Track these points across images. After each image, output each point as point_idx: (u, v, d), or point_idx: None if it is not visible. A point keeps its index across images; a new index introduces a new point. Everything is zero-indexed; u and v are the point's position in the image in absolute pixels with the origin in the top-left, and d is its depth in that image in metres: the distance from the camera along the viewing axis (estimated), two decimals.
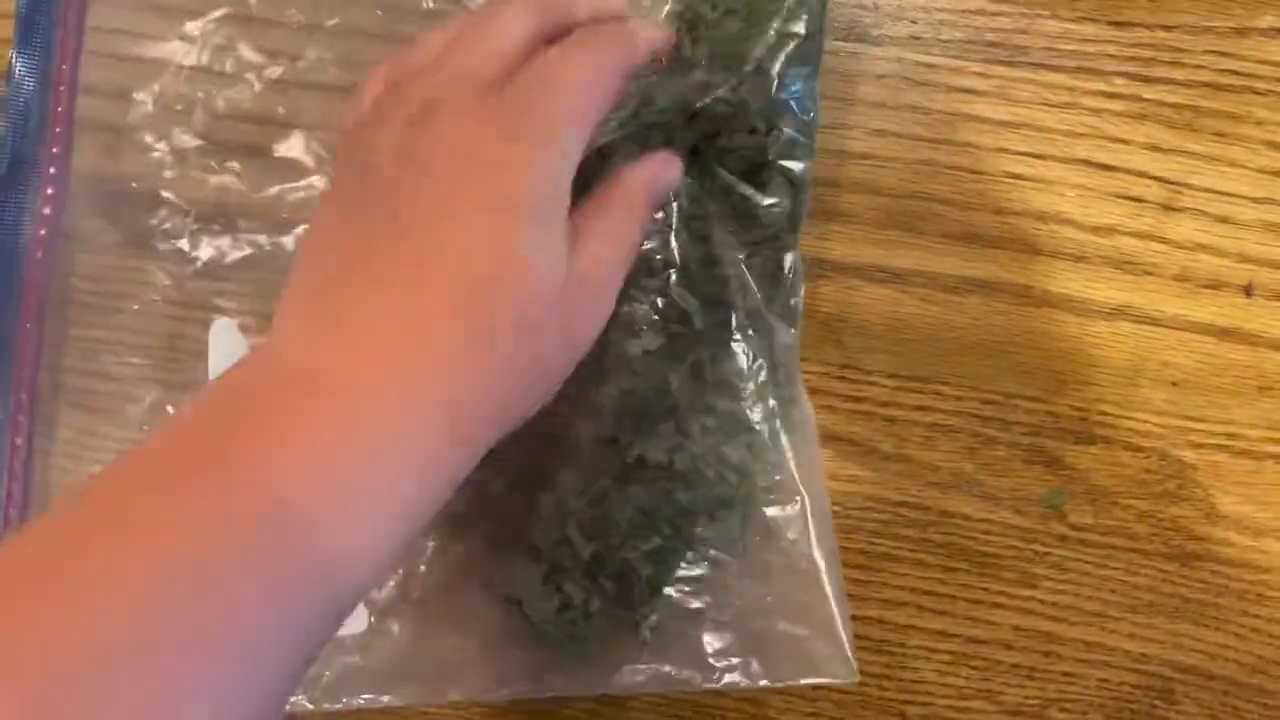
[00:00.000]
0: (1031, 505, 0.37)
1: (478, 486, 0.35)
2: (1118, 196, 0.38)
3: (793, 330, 0.36)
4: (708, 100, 0.34)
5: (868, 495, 0.37)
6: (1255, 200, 0.38)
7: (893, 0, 0.39)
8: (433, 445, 0.25)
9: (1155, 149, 0.38)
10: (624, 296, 0.33)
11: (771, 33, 0.34)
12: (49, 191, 0.38)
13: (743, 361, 0.34)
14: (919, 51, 0.39)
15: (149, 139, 0.38)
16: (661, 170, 0.32)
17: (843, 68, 0.39)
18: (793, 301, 0.36)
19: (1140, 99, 0.39)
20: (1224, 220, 0.38)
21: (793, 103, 0.35)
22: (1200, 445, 0.37)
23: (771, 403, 0.35)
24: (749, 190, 0.35)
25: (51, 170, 0.38)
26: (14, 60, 0.38)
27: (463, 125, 0.27)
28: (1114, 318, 0.38)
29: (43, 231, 0.38)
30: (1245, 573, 0.36)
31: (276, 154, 0.38)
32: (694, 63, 0.34)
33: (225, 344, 0.37)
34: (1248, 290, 0.38)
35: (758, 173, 0.35)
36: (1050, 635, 0.36)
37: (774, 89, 0.34)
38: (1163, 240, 0.38)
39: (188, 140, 0.38)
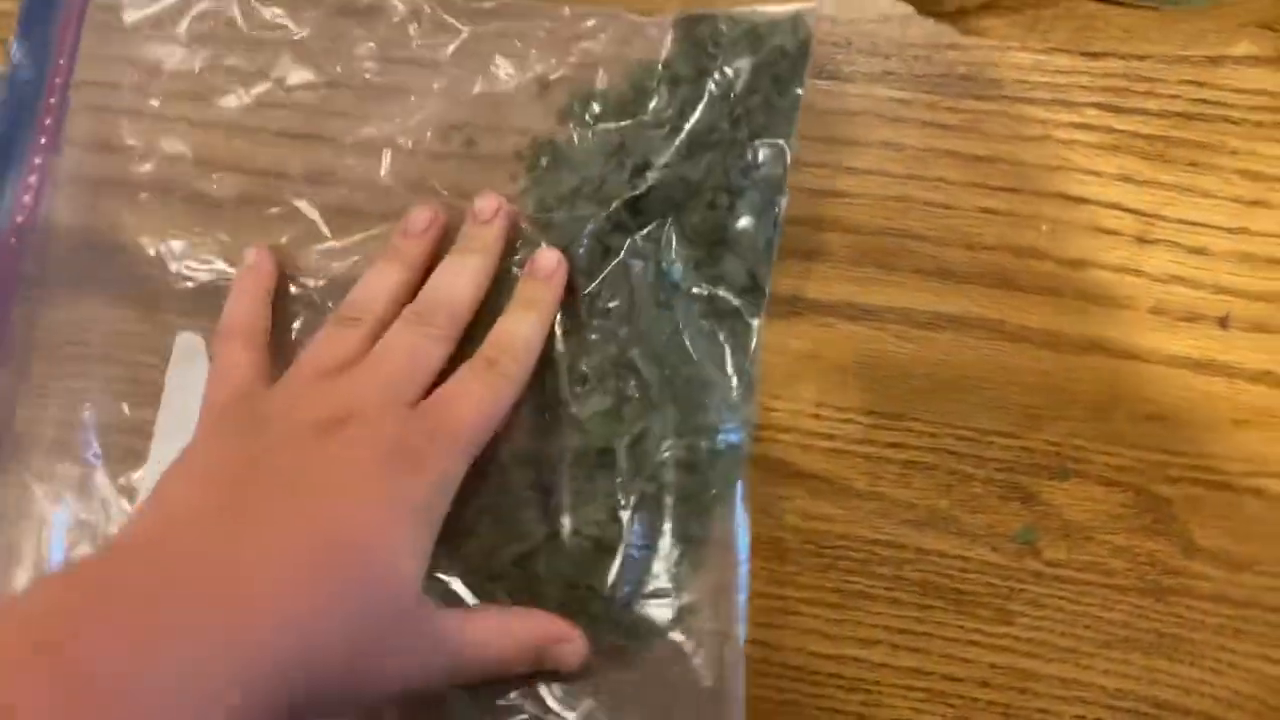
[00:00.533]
0: (1007, 541, 0.37)
1: None
2: (1091, 229, 0.38)
3: (747, 421, 0.36)
4: (665, 174, 0.35)
5: (841, 534, 0.37)
6: (1230, 230, 0.38)
7: (865, 36, 0.39)
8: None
9: (1129, 180, 0.38)
10: (580, 348, 0.34)
11: (751, 96, 0.35)
12: (31, 180, 0.39)
13: (688, 434, 0.35)
14: (892, 87, 0.39)
15: (133, 142, 0.39)
16: None
17: (815, 105, 0.39)
18: (750, 378, 0.36)
19: (1113, 130, 0.39)
20: (1198, 251, 0.38)
21: (762, 174, 0.35)
22: (1177, 479, 0.37)
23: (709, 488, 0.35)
24: (711, 263, 0.35)
25: (37, 160, 0.39)
26: (13, 48, 0.39)
27: (382, 427, 0.31)
28: (1088, 352, 0.38)
29: (19, 219, 0.38)
30: (1223, 607, 0.36)
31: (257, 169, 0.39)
32: (661, 127, 0.35)
33: (187, 359, 0.38)
34: (1223, 322, 0.37)
35: (718, 244, 0.35)
36: (1026, 672, 0.36)
37: (743, 161, 0.35)
38: (1137, 273, 0.38)
39: (177, 147, 0.39)
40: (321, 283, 0.38)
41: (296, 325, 0.38)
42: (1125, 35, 0.39)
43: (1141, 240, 0.38)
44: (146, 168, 0.39)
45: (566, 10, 0.38)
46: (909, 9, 0.39)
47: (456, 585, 0.34)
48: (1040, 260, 0.38)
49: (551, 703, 0.33)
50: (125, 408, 0.38)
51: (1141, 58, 0.39)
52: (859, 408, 0.38)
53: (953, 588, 0.36)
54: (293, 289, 0.38)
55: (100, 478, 0.37)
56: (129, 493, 0.37)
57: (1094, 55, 0.39)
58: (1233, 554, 0.36)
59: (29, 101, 0.39)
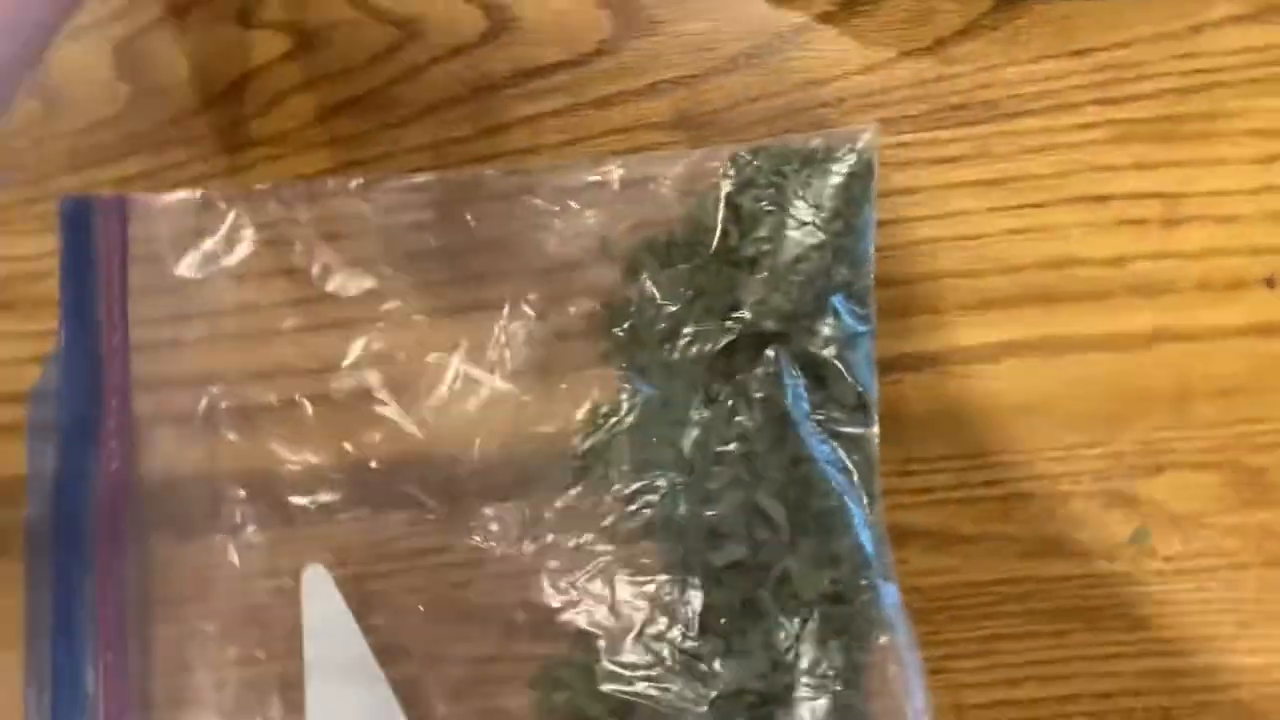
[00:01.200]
0: (1122, 549, 0.37)
1: None
2: (1120, 223, 0.38)
3: (877, 514, 0.36)
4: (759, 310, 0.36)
5: (963, 582, 0.37)
6: (1253, 192, 0.38)
7: (854, 90, 0.39)
8: None
9: (1143, 167, 0.39)
10: (704, 499, 0.34)
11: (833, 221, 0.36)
12: (113, 445, 0.38)
13: (828, 566, 0.35)
14: (891, 134, 0.39)
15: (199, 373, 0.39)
16: None
17: None
18: (875, 487, 0.36)
19: (1115, 121, 0.39)
20: (1228, 220, 0.38)
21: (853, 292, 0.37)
22: (1266, 446, 0.37)
23: (856, 610, 0.35)
24: (817, 387, 0.36)
25: (112, 423, 0.38)
26: (61, 331, 0.38)
27: None
28: (1148, 344, 0.38)
29: (110, 483, 0.38)
30: None
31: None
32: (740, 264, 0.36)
33: (319, 588, 0.38)
34: (1270, 283, 0.38)
35: (821, 366, 0.36)
36: (1173, 671, 0.36)
37: (833, 284, 0.36)
38: (1175, 255, 0.38)
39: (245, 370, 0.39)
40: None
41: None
42: (1104, 26, 0.39)
43: (1170, 222, 0.38)
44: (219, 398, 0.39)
45: (613, 164, 0.38)
46: (889, 52, 0.39)
47: None
48: (1078, 267, 0.38)
49: None
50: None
51: (1125, 44, 0.39)
52: (944, 455, 0.38)
53: (1082, 607, 0.37)
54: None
55: None
56: None
57: (1079, 53, 0.39)
58: None
59: (90, 376, 0.38)
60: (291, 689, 0.37)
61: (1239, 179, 0.38)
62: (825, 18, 0.39)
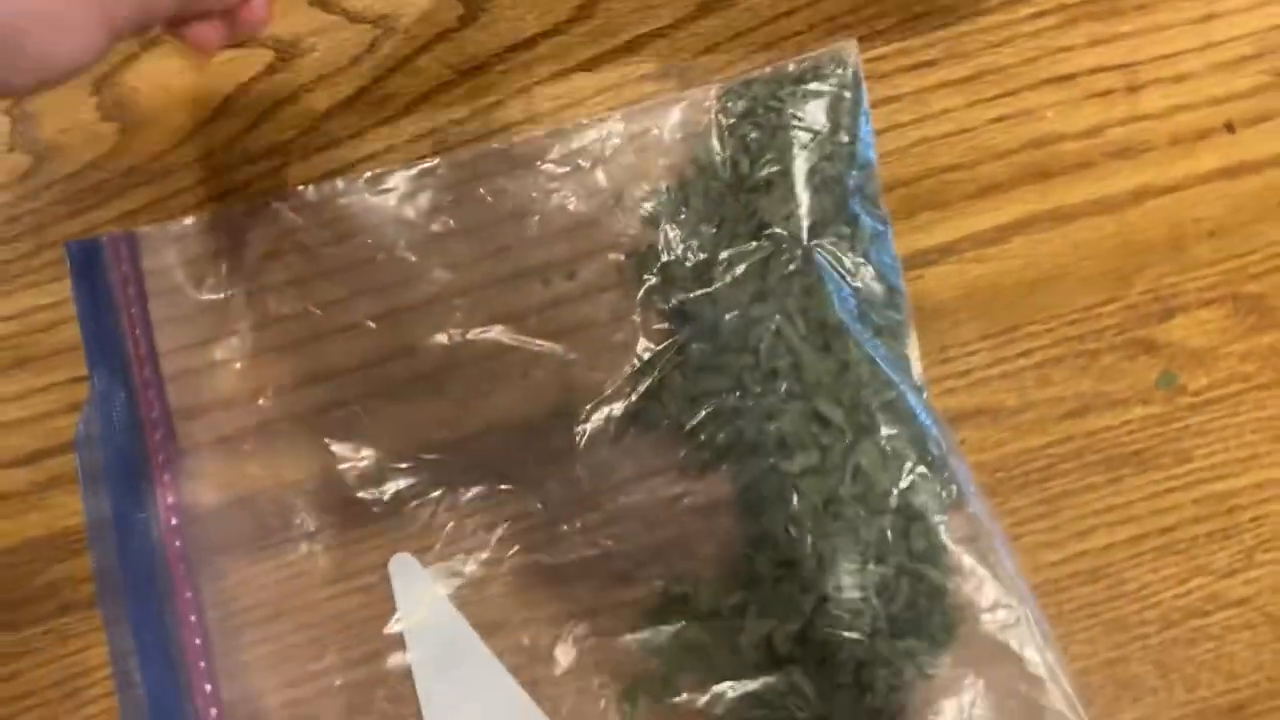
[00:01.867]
0: (1153, 392, 0.39)
1: None
2: (1089, 97, 0.41)
3: (925, 398, 0.38)
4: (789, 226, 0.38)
5: (1019, 451, 0.39)
6: (1198, 50, 0.41)
7: (823, 15, 0.41)
8: None
9: (1098, 43, 0.41)
10: (766, 417, 0.35)
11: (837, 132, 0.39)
12: (165, 478, 0.38)
13: (895, 459, 0.37)
14: (866, 49, 0.41)
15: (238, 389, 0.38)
16: None
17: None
18: (917, 378, 0.38)
19: (1065, 6, 0.42)
20: (1182, 78, 0.41)
21: (867, 195, 0.39)
22: (1259, 274, 0.40)
23: (932, 490, 0.37)
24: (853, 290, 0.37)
25: (161, 457, 0.38)
26: (93, 379, 0.38)
27: None
28: (1137, 201, 0.41)
29: (172, 520, 0.37)
30: None
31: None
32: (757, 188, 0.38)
33: (409, 580, 0.37)
34: (1229, 127, 0.41)
35: (850, 272, 0.38)
36: (1224, 494, 0.39)
37: (847, 189, 0.38)
38: (1143, 117, 0.41)
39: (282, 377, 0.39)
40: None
41: None
42: None
43: (1133, 89, 0.41)
44: (268, 411, 0.38)
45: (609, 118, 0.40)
46: None
47: (750, 685, 0.35)
48: (1061, 142, 0.41)
49: None
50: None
51: None
52: (976, 337, 0.40)
53: (1130, 452, 0.39)
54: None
55: None
56: None
57: None
58: None
59: (128, 414, 0.38)
60: (394, 683, 0.37)
61: (1184, 40, 0.41)
62: None
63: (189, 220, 0.39)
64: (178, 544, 0.37)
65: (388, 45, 0.41)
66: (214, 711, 0.36)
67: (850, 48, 0.40)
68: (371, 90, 0.41)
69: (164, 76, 0.41)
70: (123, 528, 0.37)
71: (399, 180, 0.39)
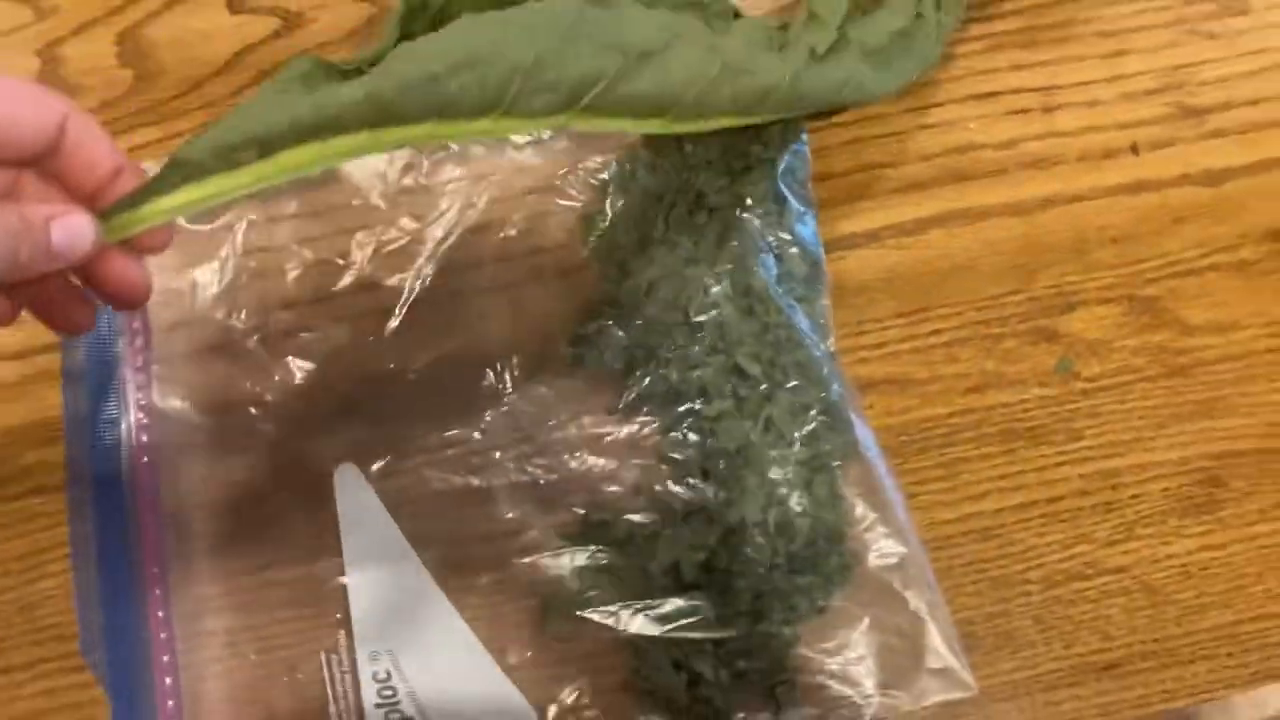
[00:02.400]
0: (1050, 376, 0.43)
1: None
2: (1008, 113, 0.46)
3: (836, 364, 0.41)
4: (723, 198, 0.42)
5: (922, 418, 0.42)
6: (1109, 80, 0.46)
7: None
8: None
9: (1019, 67, 0.46)
10: (691, 366, 0.40)
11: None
12: (140, 380, 0.41)
13: (803, 412, 0.40)
14: None
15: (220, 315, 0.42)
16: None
17: None
18: (830, 345, 0.42)
19: (991, 34, 0.47)
20: (1092, 103, 0.46)
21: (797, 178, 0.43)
22: (1155, 279, 0.44)
23: (835, 442, 0.40)
24: (779, 262, 0.42)
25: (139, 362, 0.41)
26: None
27: None
28: (1046, 207, 0.45)
29: (143, 419, 0.41)
30: (1231, 364, 0.43)
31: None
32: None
33: (351, 489, 0.40)
34: (1134, 150, 0.45)
35: (779, 248, 0.42)
36: (1109, 471, 0.42)
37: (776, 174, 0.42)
38: (1057, 134, 0.45)
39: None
40: None
41: None
42: None
43: (1048, 109, 0.46)
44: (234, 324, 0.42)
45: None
46: None
47: (656, 607, 0.38)
48: (980, 150, 0.45)
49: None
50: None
51: None
52: (891, 314, 0.43)
53: (1025, 427, 0.42)
54: None
55: None
56: None
57: None
58: (1219, 321, 0.44)
59: (112, 327, 0.42)
60: (331, 585, 0.40)
61: (1097, 71, 0.46)
62: None
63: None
64: (144, 439, 0.40)
65: (378, 25, 0.46)
66: (158, 591, 0.39)
67: None
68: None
69: (181, 33, 0.45)
70: (96, 422, 0.40)
71: None
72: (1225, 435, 0.42)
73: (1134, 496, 0.42)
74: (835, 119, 0.44)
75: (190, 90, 0.45)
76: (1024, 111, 0.46)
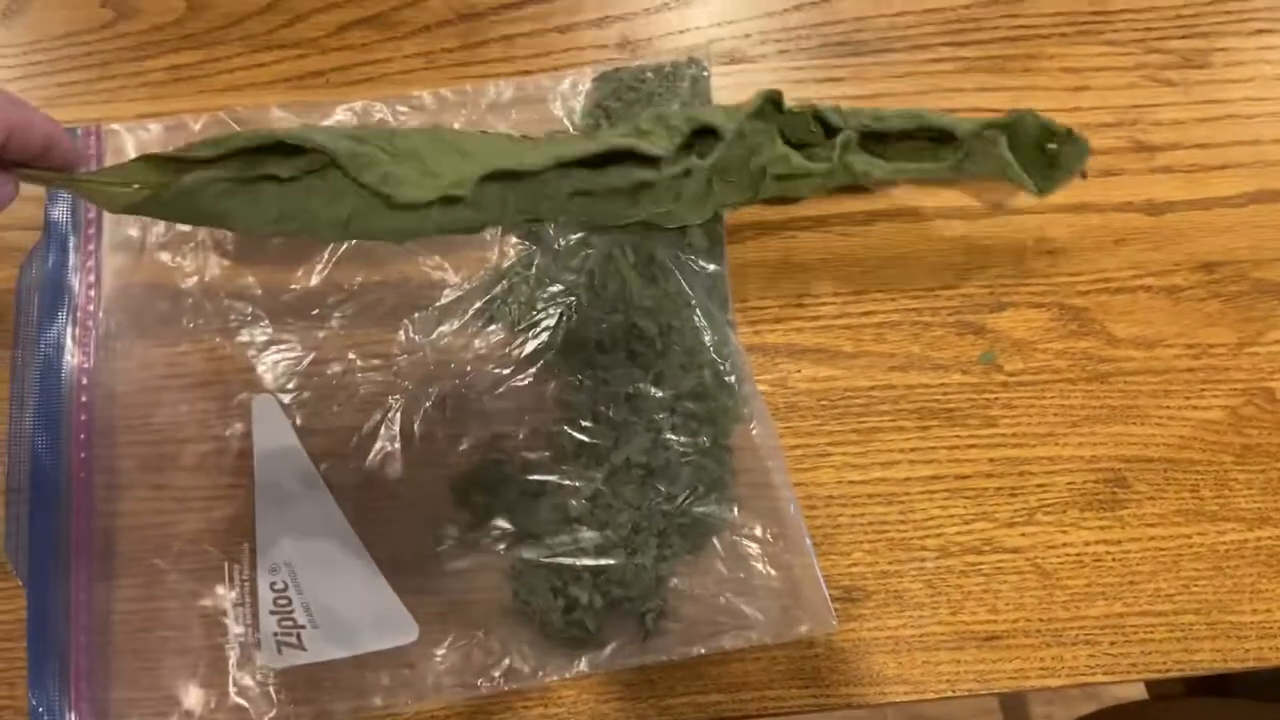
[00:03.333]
0: (973, 365, 0.45)
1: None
2: None
3: (731, 333, 0.44)
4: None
5: (845, 387, 0.45)
6: (1067, 110, 0.49)
7: (760, 28, 0.51)
8: None
9: (984, 90, 0.50)
10: (592, 323, 0.43)
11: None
12: (89, 264, 0.45)
13: (695, 370, 0.43)
14: (789, 61, 0.50)
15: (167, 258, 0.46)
16: None
17: (734, 84, 0.49)
18: (730, 315, 0.45)
19: (961, 59, 0.50)
20: None
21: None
22: (1085, 292, 0.46)
23: (723, 400, 0.43)
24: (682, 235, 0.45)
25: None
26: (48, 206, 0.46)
27: None
28: (991, 215, 0.48)
29: (91, 292, 0.45)
30: (1150, 377, 0.45)
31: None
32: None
33: (267, 418, 0.44)
34: (1083, 174, 0.48)
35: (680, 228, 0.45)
36: (1018, 459, 0.44)
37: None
38: None
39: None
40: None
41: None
42: None
43: None
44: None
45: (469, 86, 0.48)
46: (788, 2, 0.51)
47: (543, 539, 0.41)
48: None
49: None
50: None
51: (967, 6, 0.51)
52: (831, 292, 0.46)
53: (943, 408, 0.45)
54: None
55: None
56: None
57: (931, 10, 0.51)
58: (1144, 337, 0.46)
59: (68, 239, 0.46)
60: (240, 486, 0.42)
61: (1056, 101, 0.49)
62: None
63: (152, 125, 0.47)
64: (91, 315, 0.44)
65: None
66: (83, 455, 0.43)
67: (703, 56, 0.49)
68: (389, 15, 0.51)
69: None
70: (45, 295, 0.44)
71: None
72: (1137, 441, 0.44)
73: (1040, 485, 0.44)
74: None
75: (232, 24, 0.50)
76: None
